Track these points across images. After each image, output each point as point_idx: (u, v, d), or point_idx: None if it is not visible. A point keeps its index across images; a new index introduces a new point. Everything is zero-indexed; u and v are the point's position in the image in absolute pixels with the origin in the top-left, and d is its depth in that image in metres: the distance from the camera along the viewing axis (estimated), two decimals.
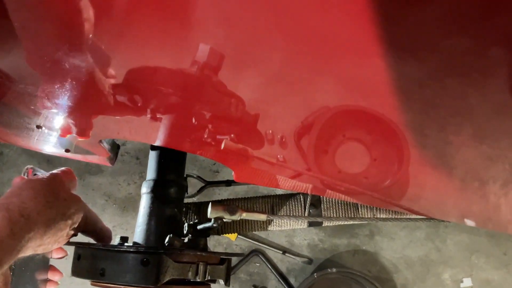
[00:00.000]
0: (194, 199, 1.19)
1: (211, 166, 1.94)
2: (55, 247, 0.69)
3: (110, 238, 0.82)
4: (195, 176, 1.15)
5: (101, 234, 0.79)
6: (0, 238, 0.54)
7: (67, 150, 0.79)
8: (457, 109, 0.52)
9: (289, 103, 0.57)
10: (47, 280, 0.76)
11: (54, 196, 0.66)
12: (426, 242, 1.91)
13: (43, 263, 0.76)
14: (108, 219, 1.99)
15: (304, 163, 0.68)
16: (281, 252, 1.90)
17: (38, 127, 0.67)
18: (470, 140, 0.56)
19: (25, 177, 0.75)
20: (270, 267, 1.88)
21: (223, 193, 1.90)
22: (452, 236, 1.90)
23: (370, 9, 0.40)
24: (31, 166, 0.77)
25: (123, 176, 2.00)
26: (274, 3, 0.42)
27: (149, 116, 0.65)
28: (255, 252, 1.90)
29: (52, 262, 0.77)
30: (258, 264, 1.91)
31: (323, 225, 0.99)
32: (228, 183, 1.20)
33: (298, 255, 1.91)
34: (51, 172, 0.72)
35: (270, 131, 0.62)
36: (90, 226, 0.76)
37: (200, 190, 1.19)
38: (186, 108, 0.62)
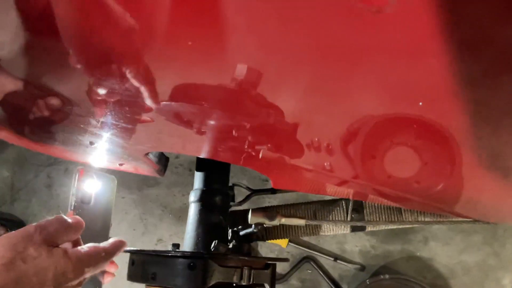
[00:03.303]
0: (241, 207, 1.24)
1: (260, 175, 1.98)
2: None
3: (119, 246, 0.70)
4: (242, 185, 1.19)
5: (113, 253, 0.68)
6: None
7: (120, 164, 0.86)
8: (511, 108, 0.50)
9: (334, 111, 0.57)
10: (104, 272, 0.77)
11: (15, 275, 0.52)
12: (483, 246, 1.84)
13: None
14: (165, 228, 2.08)
15: (351, 170, 0.68)
16: (332, 259, 1.90)
17: (91, 143, 0.74)
18: None
19: (77, 179, 0.73)
20: (322, 274, 1.89)
21: (273, 201, 1.94)
22: (511, 240, 1.82)
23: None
24: (82, 166, 0.77)
25: (178, 187, 2.08)
26: (310, 13, 0.42)
27: (194, 130, 0.69)
28: (307, 259, 1.92)
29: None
30: (309, 271, 1.92)
31: (366, 230, 1.00)
32: (274, 191, 1.24)
33: (350, 262, 1.91)
34: (22, 231, 0.56)
35: (316, 139, 0.63)
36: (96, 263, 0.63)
37: (246, 198, 1.24)
38: (227, 122, 0.65)
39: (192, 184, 2.04)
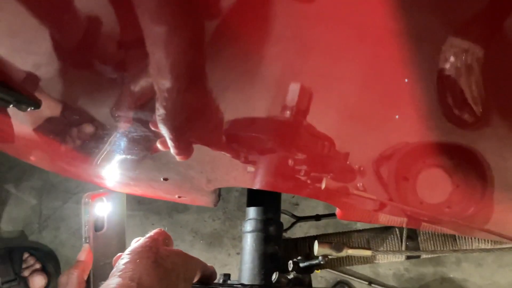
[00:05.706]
0: (285, 235, 1.23)
1: (291, 199, 1.98)
2: None
3: (215, 275, 0.82)
4: (287, 213, 1.19)
5: (208, 276, 0.79)
6: None
7: (179, 197, 0.87)
8: None
9: (370, 136, 0.58)
10: None
11: (163, 270, 0.60)
12: None
13: None
14: (197, 255, 2.04)
15: (386, 195, 0.68)
16: (367, 283, 1.88)
17: (165, 179, 0.74)
18: None
19: (87, 205, 0.75)
20: None
21: (304, 225, 1.93)
22: None
23: None
24: (91, 191, 0.77)
25: (208, 212, 2.07)
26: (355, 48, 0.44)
27: (249, 162, 0.69)
28: (341, 283, 1.90)
29: None
30: None
31: (422, 257, 0.99)
32: (318, 217, 1.24)
33: (384, 285, 1.89)
34: (144, 241, 0.66)
35: (348, 162, 0.63)
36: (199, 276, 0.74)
37: (292, 225, 1.24)
38: (282, 153, 0.65)
39: (222, 209, 2.05)
